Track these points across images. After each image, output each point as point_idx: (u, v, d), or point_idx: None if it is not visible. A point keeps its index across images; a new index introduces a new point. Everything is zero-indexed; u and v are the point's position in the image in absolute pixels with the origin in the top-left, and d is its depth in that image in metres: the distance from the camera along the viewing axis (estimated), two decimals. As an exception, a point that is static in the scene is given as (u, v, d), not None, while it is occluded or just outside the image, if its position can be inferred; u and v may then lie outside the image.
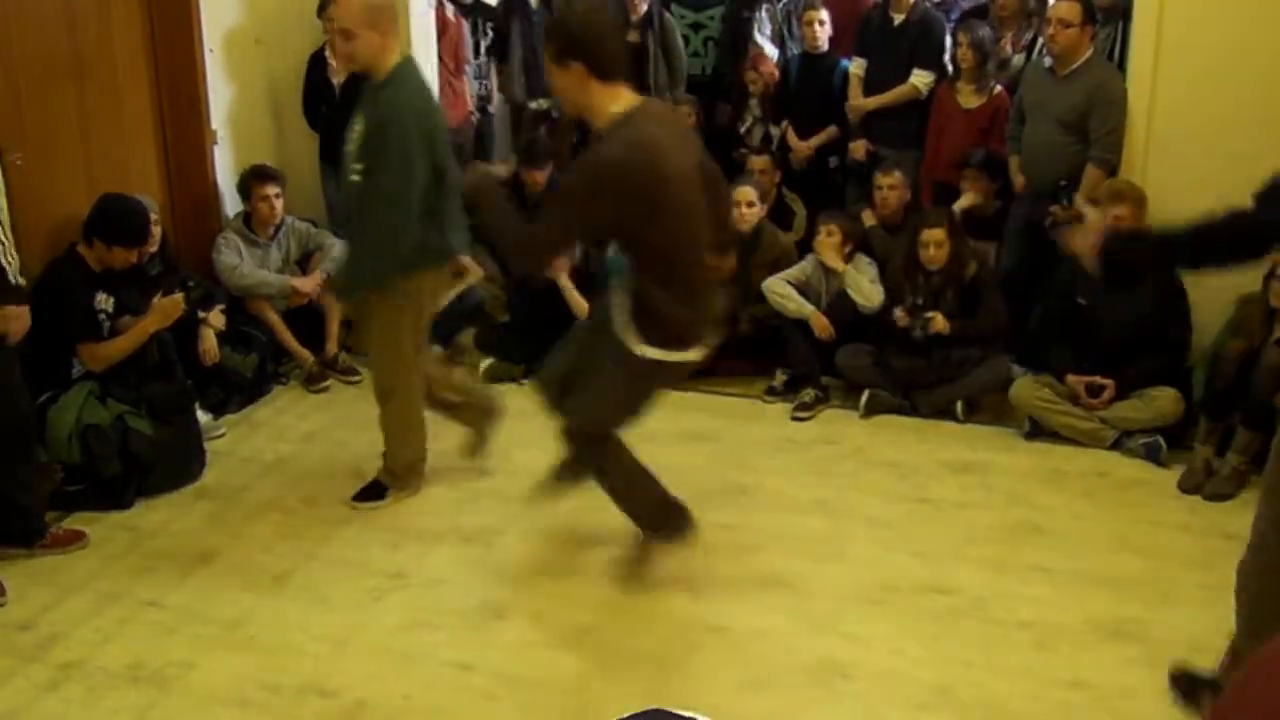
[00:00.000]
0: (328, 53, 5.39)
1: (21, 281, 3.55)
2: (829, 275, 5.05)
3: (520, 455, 4.26)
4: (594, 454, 3.36)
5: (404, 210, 3.54)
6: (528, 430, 4.50)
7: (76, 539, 3.72)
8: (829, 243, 4.99)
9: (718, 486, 4.18)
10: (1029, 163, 4.92)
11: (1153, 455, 4.32)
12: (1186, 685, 2.99)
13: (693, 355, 3.20)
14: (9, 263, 3.46)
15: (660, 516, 3.42)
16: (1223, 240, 2.60)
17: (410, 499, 4.06)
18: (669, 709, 1.10)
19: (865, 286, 4.92)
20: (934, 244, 4.74)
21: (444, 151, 3.68)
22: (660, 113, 3.06)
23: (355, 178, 3.61)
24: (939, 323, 4.72)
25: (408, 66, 3.65)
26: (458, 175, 3.69)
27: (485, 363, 5.17)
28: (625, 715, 1.08)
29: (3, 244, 3.42)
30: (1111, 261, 2.78)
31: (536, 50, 6.22)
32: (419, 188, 3.55)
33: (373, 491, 4.02)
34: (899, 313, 4.78)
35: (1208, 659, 2.97)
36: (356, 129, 3.61)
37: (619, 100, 2.96)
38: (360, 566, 3.64)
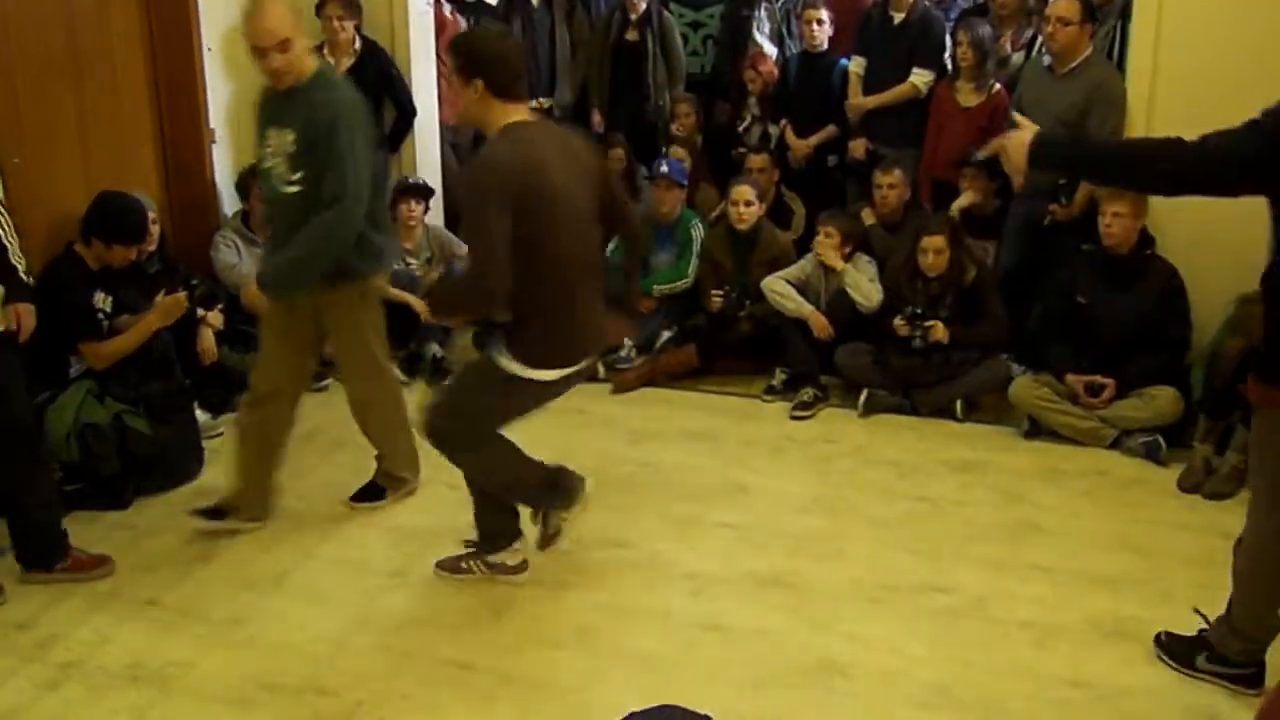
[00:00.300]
0: (325, 51, 5.39)
1: (30, 281, 3.55)
2: (828, 274, 5.05)
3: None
4: (457, 457, 3.32)
5: (359, 210, 3.44)
6: (528, 431, 4.50)
7: (100, 564, 3.55)
8: (828, 244, 4.99)
9: (717, 485, 4.18)
10: (1029, 162, 4.91)
11: (1152, 454, 4.32)
12: (1179, 650, 3.08)
13: (555, 375, 3.16)
14: (18, 262, 3.46)
15: (550, 493, 3.45)
16: (1147, 165, 2.61)
17: (408, 498, 4.06)
18: (680, 705, 1.10)
19: (865, 286, 4.92)
20: (933, 251, 4.73)
21: (374, 149, 3.63)
22: (550, 132, 3.16)
23: (292, 189, 3.44)
24: (939, 332, 4.71)
25: (328, 67, 3.56)
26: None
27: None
28: (637, 710, 1.08)
29: (10, 242, 3.42)
30: (1035, 165, 2.77)
31: (537, 49, 6.23)
32: (368, 186, 3.47)
33: (371, 492, 4.01)
34: (899, 322, 4.77)
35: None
36: (286, 138, 3.42)
37: (509, 118, 3.04)
38: (359, 565, 3.64)
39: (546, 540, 3.53)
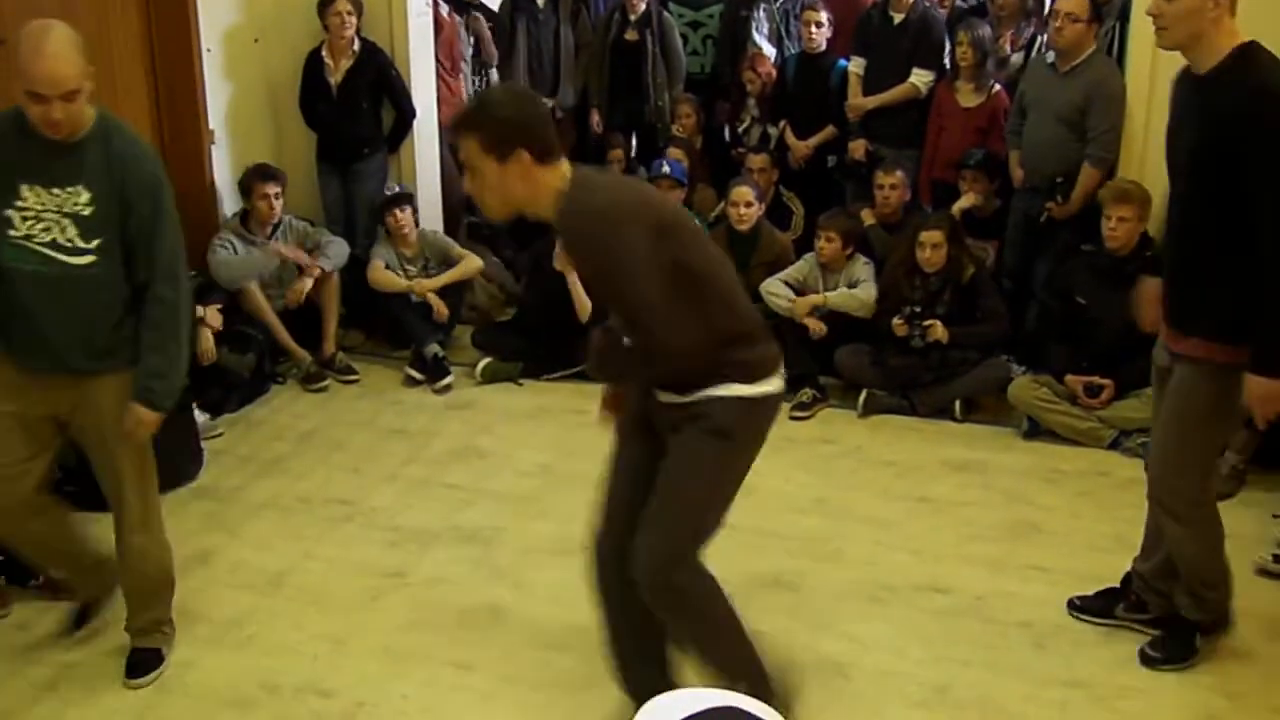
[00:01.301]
0: (325, 52, 5.39)
1: None
2: (827, 274, 5.05)
3: (521, 456, 4.26)
4: (680, 601, 2.71)
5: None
6: (529, 431, 4.50)
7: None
8: (829, 249, 4.99)
9: (716, 486, 4.17)
10: (1029, 158, 4.92)
11: (1151, 455, 4.32)
12: (1182, 650, 3.09)
13: (769, 388, 2.65)
14: None
15: (758, 676, 2.75)
16: None
17: (408, 499, 4.06)
18: (742, 705, 1.08)
19: (854, 303, 4.91)
20: (931, 245, 4.73)
21: None
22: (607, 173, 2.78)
23: (83, 259, 2.77)
24: (938, 331, 4.71)
25: (107, 111, 2.93)
26: None
27: (483, 362, 5.16)
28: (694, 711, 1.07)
29: None
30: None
31: (541, 49, 6.22)
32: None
33: (149, 662, 3.15)
34: (897, 322, 4.77)
35: (1207, 658, 3.05)
36: (75, 198, 2.75)
37: (563, 177, 2.50)
38: (358, 566, 3.64)
39: None
